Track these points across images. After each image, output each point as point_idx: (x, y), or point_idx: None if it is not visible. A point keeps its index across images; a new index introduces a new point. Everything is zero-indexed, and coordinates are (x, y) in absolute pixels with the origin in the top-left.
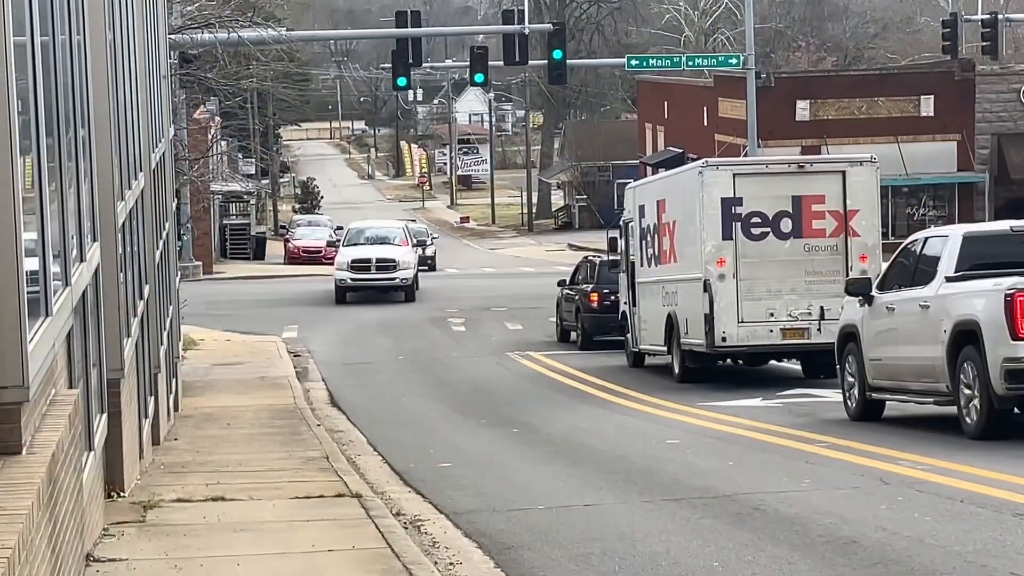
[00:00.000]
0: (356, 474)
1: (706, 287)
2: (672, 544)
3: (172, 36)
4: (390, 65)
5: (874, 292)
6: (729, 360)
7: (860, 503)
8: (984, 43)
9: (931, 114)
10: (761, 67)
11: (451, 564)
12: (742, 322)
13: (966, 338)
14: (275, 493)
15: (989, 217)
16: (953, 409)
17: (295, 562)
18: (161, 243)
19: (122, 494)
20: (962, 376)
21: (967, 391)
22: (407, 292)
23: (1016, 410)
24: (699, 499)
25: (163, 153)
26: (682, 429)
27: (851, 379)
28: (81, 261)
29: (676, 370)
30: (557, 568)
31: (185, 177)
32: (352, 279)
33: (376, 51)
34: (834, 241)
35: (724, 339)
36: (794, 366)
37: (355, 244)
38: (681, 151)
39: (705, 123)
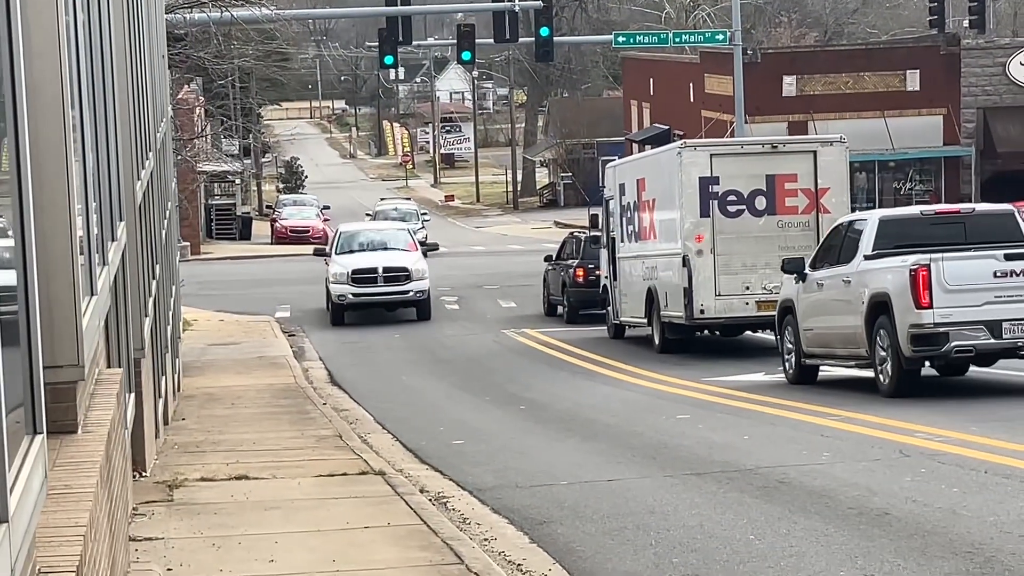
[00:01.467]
0: (372, 452)
1: (685, 262)
2: (704, 518)
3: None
4: (371, 44)
5: (807, 270)
6: (706, 331)
7: (884, 475)
8: (971, 16)
9: (917, 88)
10: (745, 43)
11: (486, 540)
12: (719, 295)
13: (880, 308)
14: (298, 471)
15: (975, 191)
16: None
17: (334, 539)
18: (165, 223)
19: (144, 474)
20: (878, 341)
21: (881, 354)
22: (420, 308)
23: (934, 370)
24: (721, 473)
25: (164, 133)
26: (690, 404)
27: (789, 348)
28: (112, 240)
29: (656, 341)
30: (593, 543)
31: (180, 158)
32: (355, 294)
33: (356, 30)
34: (806, 218)
35: (702, 311)
36: (768, 336)
37: (350, 251)
38: (667, 128)
39: (691, 99)
